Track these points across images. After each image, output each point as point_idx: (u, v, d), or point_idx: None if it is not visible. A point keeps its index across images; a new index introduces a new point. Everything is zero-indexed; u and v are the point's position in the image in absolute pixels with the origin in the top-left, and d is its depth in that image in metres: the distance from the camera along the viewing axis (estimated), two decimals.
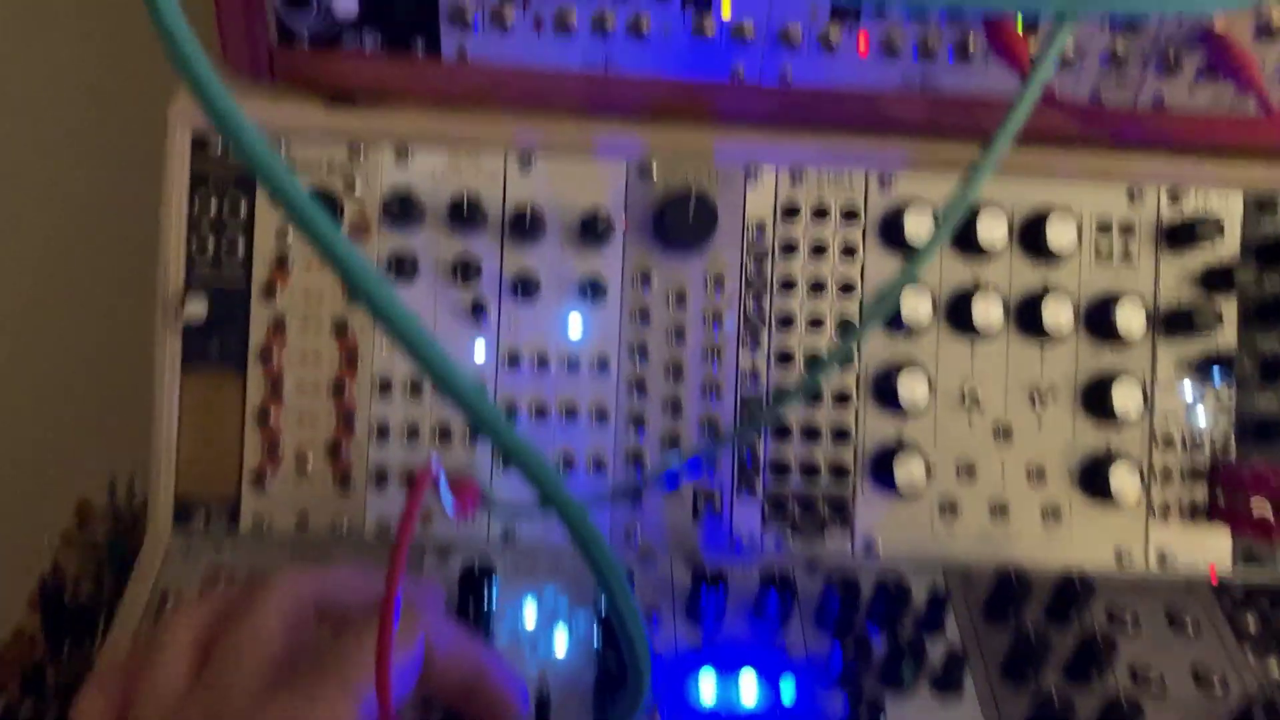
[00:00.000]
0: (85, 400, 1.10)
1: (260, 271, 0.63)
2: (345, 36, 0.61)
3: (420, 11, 0.60)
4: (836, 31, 0.61)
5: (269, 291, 0.63)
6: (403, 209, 0.63)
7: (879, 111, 0.64)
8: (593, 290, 0.64)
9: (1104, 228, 0.66)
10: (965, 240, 0.65)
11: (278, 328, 0.63)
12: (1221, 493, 0.65)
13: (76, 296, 1.12)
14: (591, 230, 0.63)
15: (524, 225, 0.63)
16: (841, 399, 0.65)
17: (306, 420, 0.63)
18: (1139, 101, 0.63)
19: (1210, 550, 0.65)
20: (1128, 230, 0.66)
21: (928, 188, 0.65)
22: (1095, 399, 0.65)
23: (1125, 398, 0.64)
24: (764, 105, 0.64)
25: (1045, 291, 0.65)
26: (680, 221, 0.63)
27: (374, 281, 0.33)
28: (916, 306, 0.64)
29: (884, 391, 0.64)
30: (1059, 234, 0.65)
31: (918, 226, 0.64)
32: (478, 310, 0.63)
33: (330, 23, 0.60)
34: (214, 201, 0.63)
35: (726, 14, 0.60)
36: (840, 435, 0.64)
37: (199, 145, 0.63)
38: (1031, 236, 0.65)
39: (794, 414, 0.65)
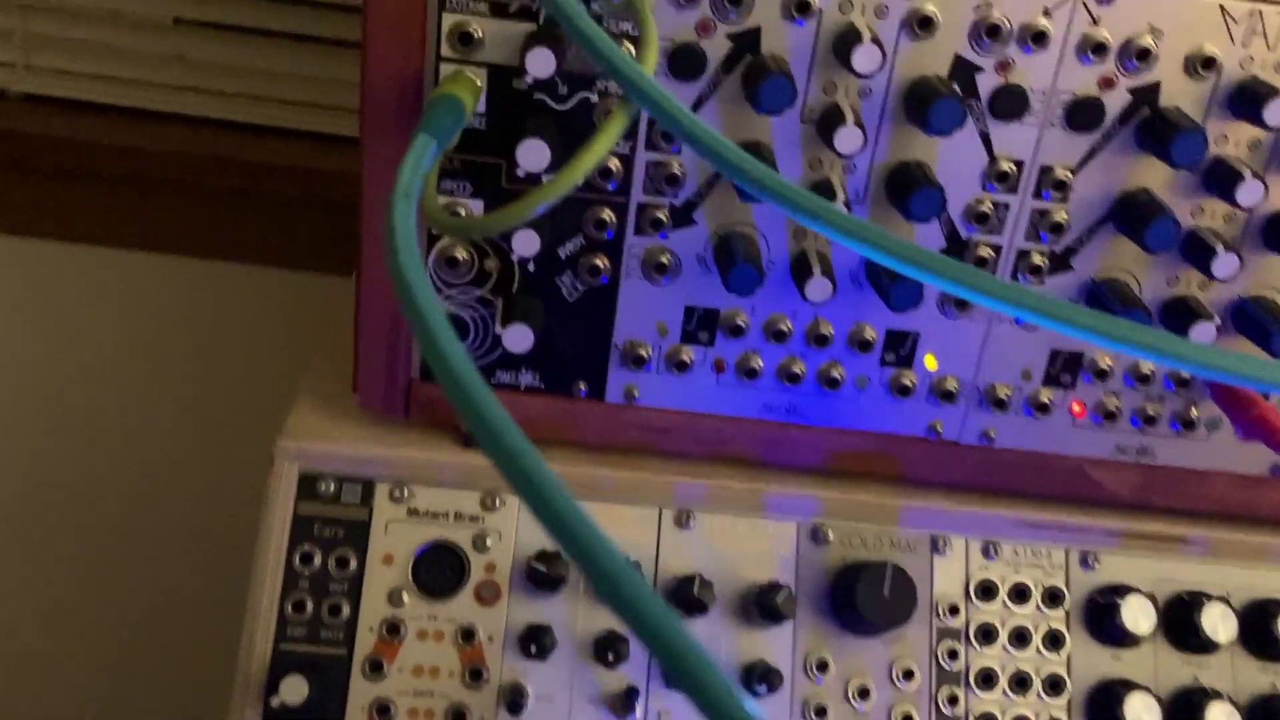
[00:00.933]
0: None
1: (365, 641, 0.52)
2: (499, 373, 0.53)
3: (590, 349, 0.52)
4: (1049, 394, 0.54)
5: (375, 666, 0.52)
6: (540, 571, 0.53)
7: (1086, 480, 0.56)
8: (760, 678, 0.53)
9: None
10: (1181, 634, 0.56)
11: (381, 712, 0.51)
12: None
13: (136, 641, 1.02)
14: (759, 604, 0.54)
15: (680, 595, 0.53)
16: None
17: None
18: None
19: None
20: None
21: (1136, 570, 0.57)
22: None
23: None
24: (959, 467, 0.56)
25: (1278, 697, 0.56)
26: (873, 598, 0.53)
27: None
28: (1140, 713, 0.54)
29: None
30: None
31: (1134, 618, 0.55)
32: (628, 699, 0.52)
33: (488, 358, 0.52)
34: (318, 554, 0.53)
35: (932, 366, 0.53)
36: None
37: (306, 487, 0.53)
38: (1257, 631, 0.57)
39: None
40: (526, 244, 0.48)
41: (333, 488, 0.53)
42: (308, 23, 0.93)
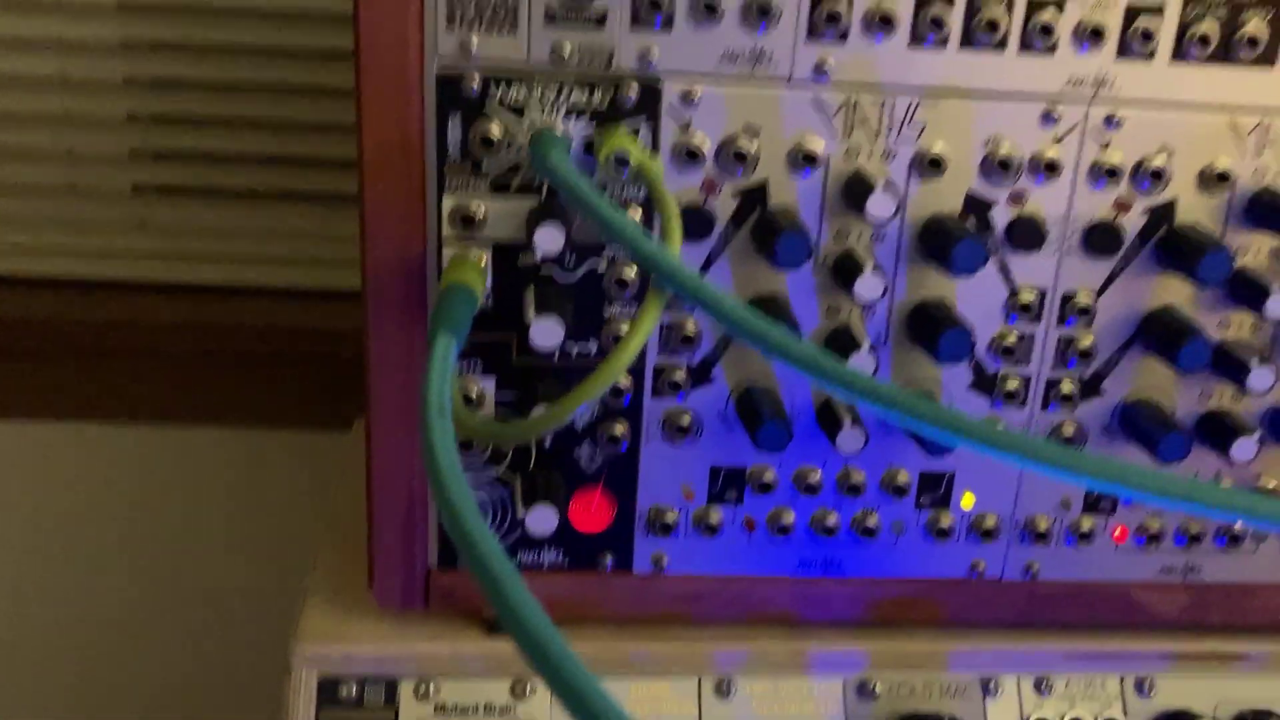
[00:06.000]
0: None
1: None
2: (521, 553, 0.50)
3: (615, 519, 0.50)
4: (1090, 521, 0.52)
5: None
6: None
7: (1135, 605, 0.54)
8: None
9: None
10: None
11: None
12: None
13: None
14: None
15: None
16: None
17: None
18: None
19: None
20: None
21: (1194, 692, 0.55)
22: None
23: None
24: (1004, 604, 0.54)
25: None
26: None
27: None
28: None
29: None
30: None
31: None
32: None
33: (509, 538, 0.50)
34: None
35: (969, 504, 0.51)
36: None
37: (326, 693, 0.50)
38: None
39: None
40: None
41: (355, 691, 0.50)
42: (269, 179, 0.92)
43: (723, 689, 0.52)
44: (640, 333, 0.34)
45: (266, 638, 0.52)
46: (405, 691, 0.50)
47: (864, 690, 0.53)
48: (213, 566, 0.98)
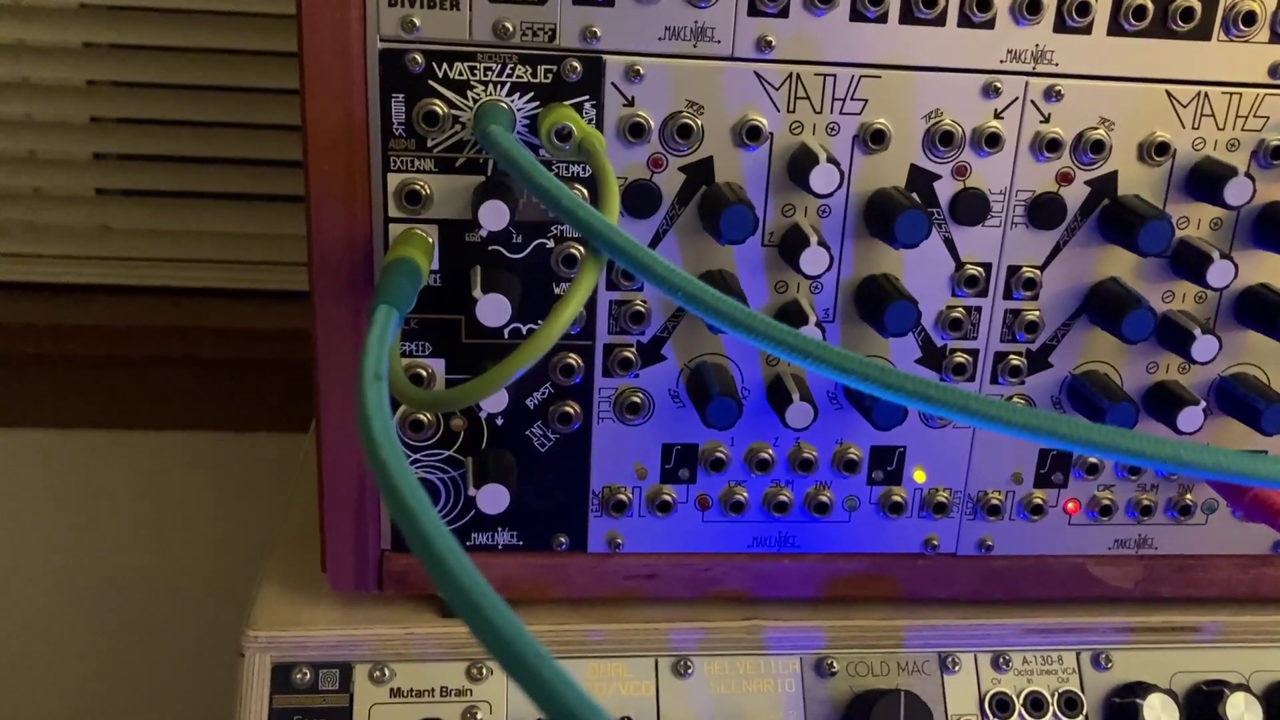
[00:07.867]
0: None
1: None
2: (474, 535, 0.50)
3: (568, 499, 0.50)
4: (1042, 495, 0.53)
5: None
6: None
7: (1089, 579, 0.55)
8: None
9: None
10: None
11: None
12: None
13: None
14: None
15: None
16: None
17: None
18: None
19: None
20: None
21: (1150, 664, 0.55)
22: None
23: None
24: (959, 579, 0.54)
25: None
26: None
27: None
28: None
29: None
30: None
31: (1157, 718, 0.53)
32: None
33: (462, 520, 0.50)
34: None
35: (921, 479, 0.52)
36: None
37: (280, 678, 0.50)
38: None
39: None
40: (494, 400, 0.46)
41: (308, 676, 0.50)
42: (232, 182, 0.92)
43: (680, 668, 0.52)
44: (577, 296, 0.34)
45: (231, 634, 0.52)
46: (360, 675, 0.50)
47: (821, 668, 0.53)
48: (180, 568, 0.97)
